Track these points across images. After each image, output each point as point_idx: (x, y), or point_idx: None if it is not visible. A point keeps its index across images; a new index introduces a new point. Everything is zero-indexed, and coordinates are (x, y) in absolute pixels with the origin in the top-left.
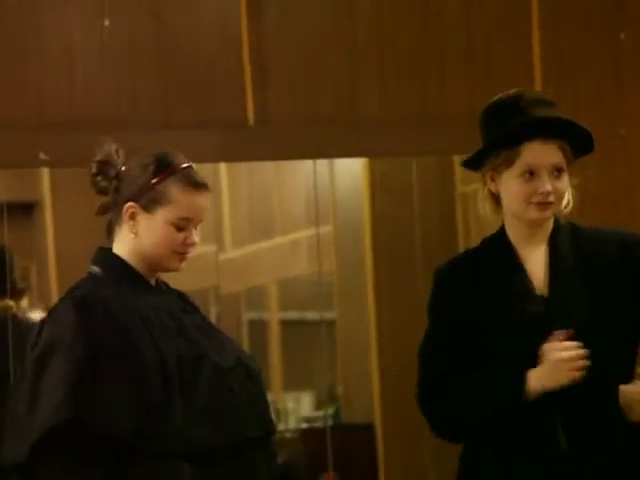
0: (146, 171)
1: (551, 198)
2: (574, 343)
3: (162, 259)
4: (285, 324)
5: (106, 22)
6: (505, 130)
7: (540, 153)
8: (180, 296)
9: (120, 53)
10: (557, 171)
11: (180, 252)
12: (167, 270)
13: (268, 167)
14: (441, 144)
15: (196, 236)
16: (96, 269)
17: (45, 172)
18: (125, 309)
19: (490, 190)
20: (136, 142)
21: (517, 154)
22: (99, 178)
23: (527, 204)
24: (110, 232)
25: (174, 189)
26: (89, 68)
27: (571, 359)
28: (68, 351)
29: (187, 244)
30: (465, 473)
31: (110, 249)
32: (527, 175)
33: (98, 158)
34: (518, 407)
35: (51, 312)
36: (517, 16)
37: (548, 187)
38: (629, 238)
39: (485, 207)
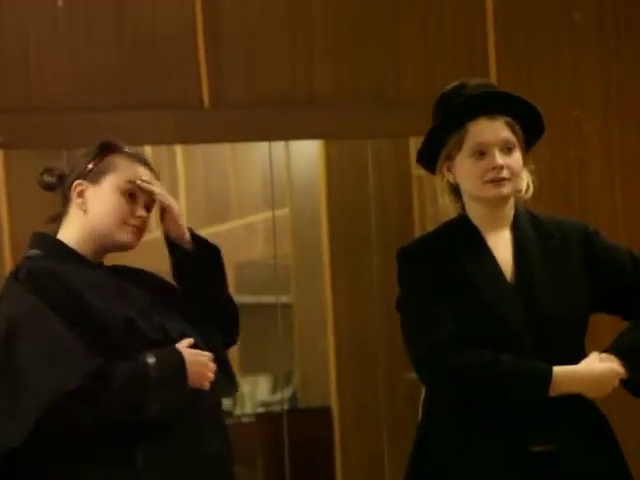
0: (89, 154)
1: (504, 173)
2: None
3: (113, 230)
4: (241, 308)
5: (59, 2)
6: (448, 112)
7: (487, 130)
8: (126, 271)
9: (75, 34)
10: (507, 148)
11: (131, 224)
12: (119, 244)
13: (224, 149)
14: (397, 126)
15: (144, 212)
16: (35, 251)
17: None
18: (72, 277)
19: (449, 181)
20: (91, 123)
21: (465, 134)
22: (45, 175)
23: (482, 183)
24: (55, 221)
25: (117, 159)
26: (43, 49)
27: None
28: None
29: (137, 216)
30: (421, 449)
31: (48, 234)
32: (477, 154)
33: (45, 166)
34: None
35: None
36: (472, 0)
37: (499, 161)
38: (588, 228)
39: (445, 199)
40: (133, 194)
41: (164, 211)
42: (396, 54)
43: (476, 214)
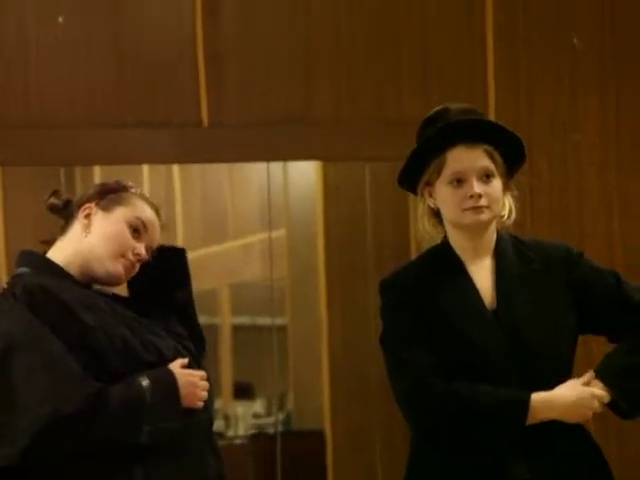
0: (105, 185)
1: (482, 202)
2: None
3: (108, 258)
4: (237, 329)
5: (60, 19)
6: (426, 138)
7: (465, 158)
8: (107, 292)
9: (75, 52)
10: (486, 176)
11: (127, 257)
12: (108, 274)
13: (221, 169)
14: (395, 149)
15: (144, 251)
16: (24, 269)
17: None
18: (67, 295)
19: (429, 206)
20: (90, 141)
21: (443, 162)
22: (53, 198)
23: (461, 210)
24: (49, 244)
25: (133, 197)
26: (43, 65)
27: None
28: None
29: (136, 253)
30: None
31: (36, 252)
32: (455, 182)
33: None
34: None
35: None
36: (472, 23)
37: (477, 190)
38: (571, 250)
39: (424, 223)
40: (138, 231)
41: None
42: (396, 77)
43: (457, 240)
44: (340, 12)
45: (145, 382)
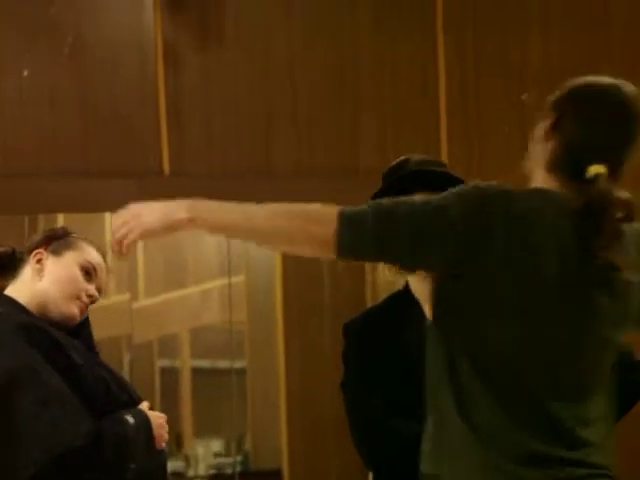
0: (50, 232)
1: None
2: None
3: (63, 300)
4: (196, 372)
5: (25, 72)
6: (382, 187)
7: None
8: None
9: (40, 102)
10: None
11: (81, 299)
12: (64, 315)
13: None
14: (354, 197)
15: (96, 293)
16: None
17: None
18: (55, 333)
19: None
20: (55, 190)
21: None
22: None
23: None
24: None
25: (80, 241)
26: (8, 116)
27: None
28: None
29: (89, 295)
30: None
31: (3, 294)
32: None
33: None
34: None
35: None
36: (426, 74)
37: None
38: None
39: (385, 271)
40: (89, 274)
41: None
42: (353, 126)
43: (416, 288)
44: (297, 65)
45: (131, 420)
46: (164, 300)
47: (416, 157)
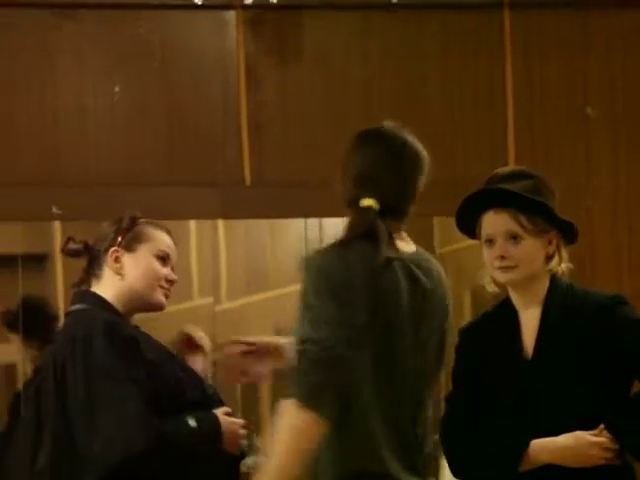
0: (117, 224)
1: (507, 262)
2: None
3: (148, 291)
4: (276, 373)
5: (116, 88)
6: (463, 203)
7: (492, 222)
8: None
9: (129, 116)
10: (512, 238)
11: (163, 287)
12: (152, 305)
13: (263, 225)
14: (423, 206)
15: (175, 276)
16: (82, 306)
17: (57, 225)
18: (132, 331)
19: None
20: (142, 198)
21: (480, 224)
22: (70, 244)
23: (494, 269)
24: (83, 284)
25: (148, 229)
26: (101, 129)
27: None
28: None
29: (169, 280)
30: None
31: (91, 291)
32: (487, 242)
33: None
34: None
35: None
36: (493, 91)
37: (497, 251)
38: (608, 301)
39: (485, 282)
40: (164, 259)
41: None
42: (423, 141)
43: (512, 294)
44: (373, 84)
45: (193, 424)
46: (245, 303)
47: (504, 170)
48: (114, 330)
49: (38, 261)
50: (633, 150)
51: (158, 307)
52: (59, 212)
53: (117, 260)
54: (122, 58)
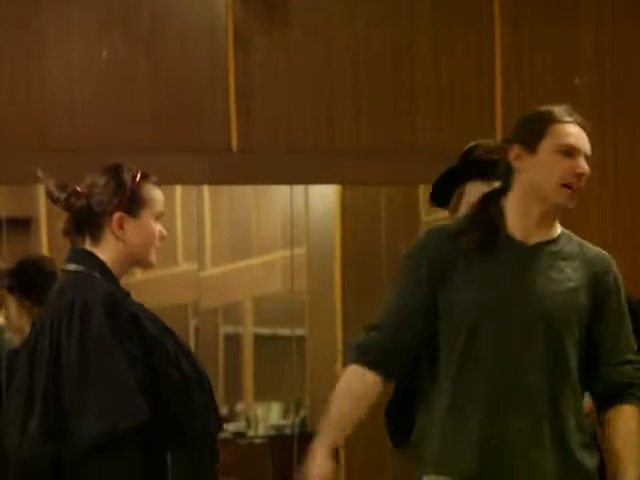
0: (115, 179)
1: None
2: None
3: (145, 254)
4: (258, 338)
5: (104, 53)
6: (443, 172)
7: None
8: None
9: (116, 81)
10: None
11: (157, 246)
12: (144, 265)
13: (248, 192)
14: (408, 175)
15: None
16: (79, 267)
17: (41, 190)
18: (131, 305)
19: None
20: (130, 164)
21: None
22: (73, 198)
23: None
24: (75, 237)
25: (148, 189)
26: (87, 94)
27: None
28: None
29: (163, 237)
30: None
31: (89, 251)
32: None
33: (53, 182)
34: None
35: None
36: (482, 59)
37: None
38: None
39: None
40: (159, 217)
41: None
42: (410, 108)
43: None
44: (360, 51)
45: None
46: (229, 270)
47: (486, 143)
48: (114, 303)
49: (22, 225)
50: (620, 122)
51: (149, 267)
52: (43, 176)
53: (121, 226)
54: (110, 23)
